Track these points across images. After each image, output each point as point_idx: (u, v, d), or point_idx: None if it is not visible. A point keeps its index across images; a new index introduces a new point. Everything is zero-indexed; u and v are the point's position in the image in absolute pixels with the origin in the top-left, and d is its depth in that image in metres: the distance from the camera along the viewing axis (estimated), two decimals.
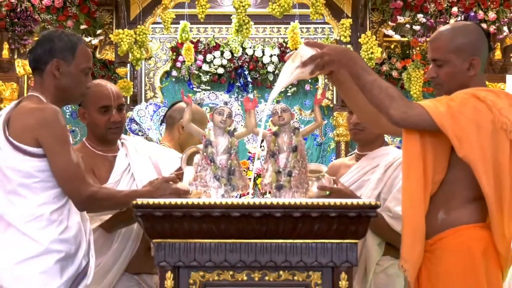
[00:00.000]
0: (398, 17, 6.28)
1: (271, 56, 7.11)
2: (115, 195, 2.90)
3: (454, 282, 2.69)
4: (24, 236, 2.73)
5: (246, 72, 7.06)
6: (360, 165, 3.35)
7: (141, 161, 3.34)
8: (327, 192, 2.98)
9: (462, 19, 6.19)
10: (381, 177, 3.25)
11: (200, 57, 7.05)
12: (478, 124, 2.68)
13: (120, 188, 3.14)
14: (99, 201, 2.83)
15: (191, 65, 7.00)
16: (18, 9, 6.07)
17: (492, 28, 6.17)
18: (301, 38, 6.73)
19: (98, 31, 6.26)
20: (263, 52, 7.11)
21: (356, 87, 2.77)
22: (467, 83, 2.80)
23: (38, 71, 2.90)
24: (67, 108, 7.02)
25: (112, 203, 2.91)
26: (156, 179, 2.98)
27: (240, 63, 7.03)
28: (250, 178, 2.90)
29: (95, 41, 6.25)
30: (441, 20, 6.22)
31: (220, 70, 7.01)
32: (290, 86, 7.11)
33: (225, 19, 6.84)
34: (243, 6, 6.25)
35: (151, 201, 2.54)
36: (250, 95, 6.92)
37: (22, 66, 6.23)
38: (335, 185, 3.02)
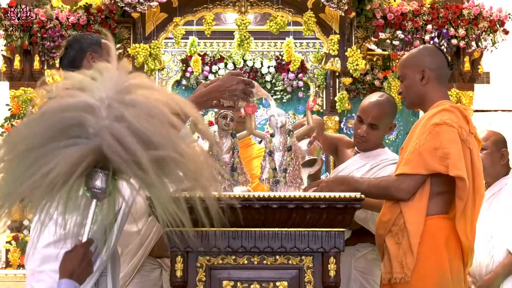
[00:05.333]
0: (380, 34, 6.27)
1: (268, 67, 7.10)
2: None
3: (419, 264, 2.71)
4: (52, 220, 2.64)
5: None
6: (351, 162, 3.35)
7: None
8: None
9: (436, 35, 6.18)
10: (364, 173, 3.24)
11: (207, 68, 7.04)
12: (452, 142, 2.73)
13: None
14: None
15: (199, 75, 6.99)
16: (48, 26, 6.07)
17: (462, 43, 6.17)
18: (295, 52, 6.73)
19: (118, 45, 6.24)
20: (261, 63, 7.10)
21: None
22: (423, 93, 2.89)
23: (77, 70, 2.83)
24: None
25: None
26: (216, 79, 2.75)
27: None
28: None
29: None
30: (417, 36, 6.21)
31: None
32: (285, 94, 7.11)
33: (228, 35, 6.83)
34: (244, 24, 6.24)
35: None
36: (250, 101, 6.89)
37: (51, 76, 6.21)
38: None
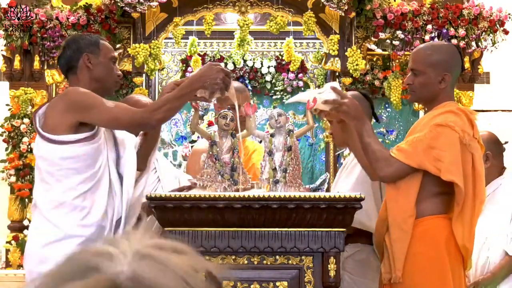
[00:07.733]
0: (380, 34, 6.27)
1: (268, 67, 7.10)
2: (167, 97, 2.67)
3: (420, 263, 2.71)
4: (49, 222, 2.65)
5: (247, 81, 7.04)
6: (344, 163, 3.39)
7: (166, 165, 3.40)
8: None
9: (436, 35, 6.18)
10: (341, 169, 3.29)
11: None
12: (452, 145, 2.72)
13: (146, 184, 3.05)
14: (160, 109, 2.62)
15: None
16: (48, 26, 6.07)
17: (462, 43, 6.16)
18: (295, 52, 6.73)
19: (118, 45, 6.24)
20: (261, 63, 7.10)
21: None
22: (437, 94, 2.86)
23: (72, 69, 2.84)
24: None
25: (170, 104, 2.65)
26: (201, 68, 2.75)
27: (241, 73, 7.01)
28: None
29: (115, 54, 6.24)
30: (417, 36, 6.20)
31: None
32: (285, 94, 7.11)
33: (228, 35, 6.83)
34: (246, 25, 6.24)
35: (163, 194, 2.53)
36: (251, 101, 6.90)
37: (51, 76, 6.21)
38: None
